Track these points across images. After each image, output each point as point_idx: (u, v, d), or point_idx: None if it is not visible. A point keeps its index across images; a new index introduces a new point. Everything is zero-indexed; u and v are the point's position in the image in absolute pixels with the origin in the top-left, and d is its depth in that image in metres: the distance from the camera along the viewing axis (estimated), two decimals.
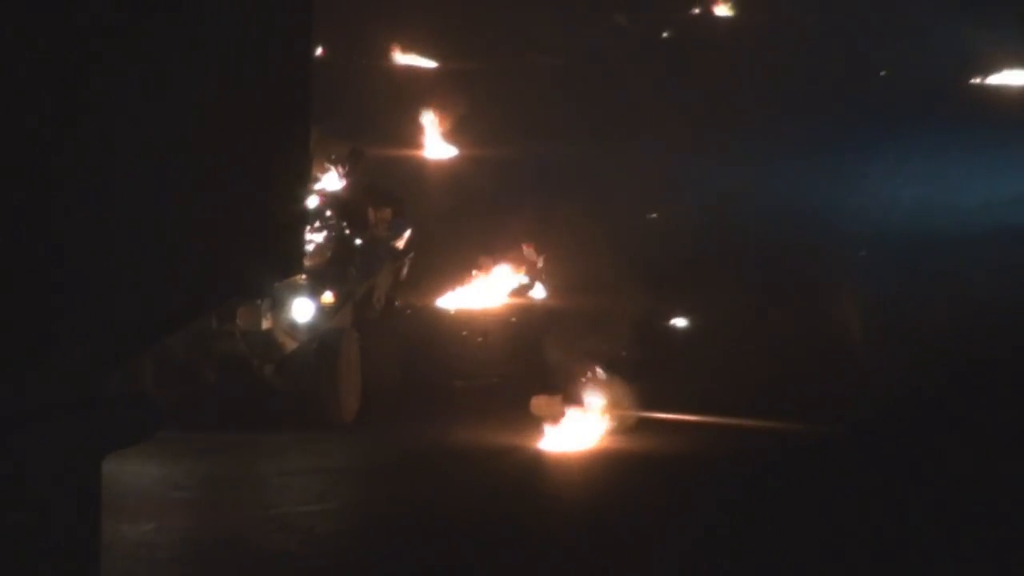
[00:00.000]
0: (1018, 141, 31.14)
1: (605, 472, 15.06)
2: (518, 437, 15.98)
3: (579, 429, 16.01)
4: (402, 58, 34.96)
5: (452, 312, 21.25)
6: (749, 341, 19.35)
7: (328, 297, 16.92)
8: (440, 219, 23.16)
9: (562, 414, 16.20)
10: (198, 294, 6.84)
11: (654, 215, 26.26)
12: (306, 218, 16.03)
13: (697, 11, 39.70)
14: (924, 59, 36.17)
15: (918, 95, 33.97)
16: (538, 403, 16.54)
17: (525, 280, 22.02)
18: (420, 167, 27.98)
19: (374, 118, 27.56)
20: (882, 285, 22.26)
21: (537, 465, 15.33)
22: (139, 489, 13.93)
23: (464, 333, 20.50)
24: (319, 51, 27.41)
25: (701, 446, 15.59)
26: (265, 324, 16.43)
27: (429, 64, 34.83)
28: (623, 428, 16.11)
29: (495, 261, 21.90)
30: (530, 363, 18.39)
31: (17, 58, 5.35)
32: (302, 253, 11.45)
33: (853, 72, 35.37)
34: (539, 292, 21.94)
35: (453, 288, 21.65)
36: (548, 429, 16.03)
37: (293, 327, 16.66)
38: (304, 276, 16.66)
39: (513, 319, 21.14)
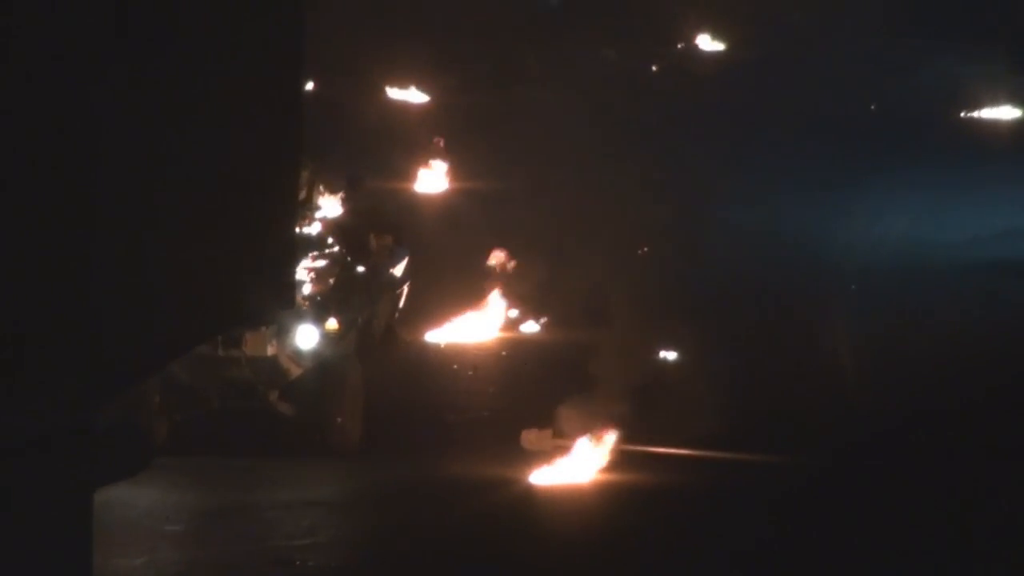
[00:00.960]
0: (1006, 175, 31.23)
1: (597, 506, 15.07)
2: (509, 471, 15.99)
3: (570, 463, 16.01)
4: (395, 92, 35.06)
5: (442, 346, 21.26)
6: (738, 374, 19.38)
7: (332, 324, 17.07)
8: (431, 252, 23.19)
9: (553, 448, 16.21)
10: (189, 327, 6.86)
11: (644, 249, 26.30)
12: (295, 249, 16.11)
13: (682, 46, 39.80)
14: (912, 94, 36.29)
15: (906, 129, 34.08)
16: (528, 437, 16.56)
17: (515, 313, 22.05)
18: (412, 200, 28.02)
19: (368, 151, 27.62)
20: (871, 319, 22.30)
21: (528, 499, 15.33)
22: (131, 521, 13.91)
23: (454, 367, 20.51)
24: (311, 85, 27.49)
25: (693, 479, 15.61)
26: (270, 350, 16.62)
27: (421, 98, 34.93)
28: (614, 462, 16.12)
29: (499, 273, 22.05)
30: (521, 397, 18.43)
31: (15, 104, 5.39)
32: (293, 284, 11.51)
33: (841, 107, 35.47)
34: (530, 326, 21.96)
35: (443, 322, 21.67)
36: (539, 463, 16.04)
37: (297, 353, 16.83)
38: (307, 302, 16.87)
39: (503, 353, 21.16)
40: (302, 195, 17.88)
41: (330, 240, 17.90)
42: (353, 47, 32.68)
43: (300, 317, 16.75)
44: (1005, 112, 36.86)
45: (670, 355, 20.40)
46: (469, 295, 21.99)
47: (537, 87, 34.55)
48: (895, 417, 17.64)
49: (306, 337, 16.79)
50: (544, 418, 16.78)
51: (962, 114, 36.69)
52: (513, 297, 22.22)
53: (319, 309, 17.02)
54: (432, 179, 28.76)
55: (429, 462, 16.42)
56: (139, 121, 6.14)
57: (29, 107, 5.45)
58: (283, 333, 16.70)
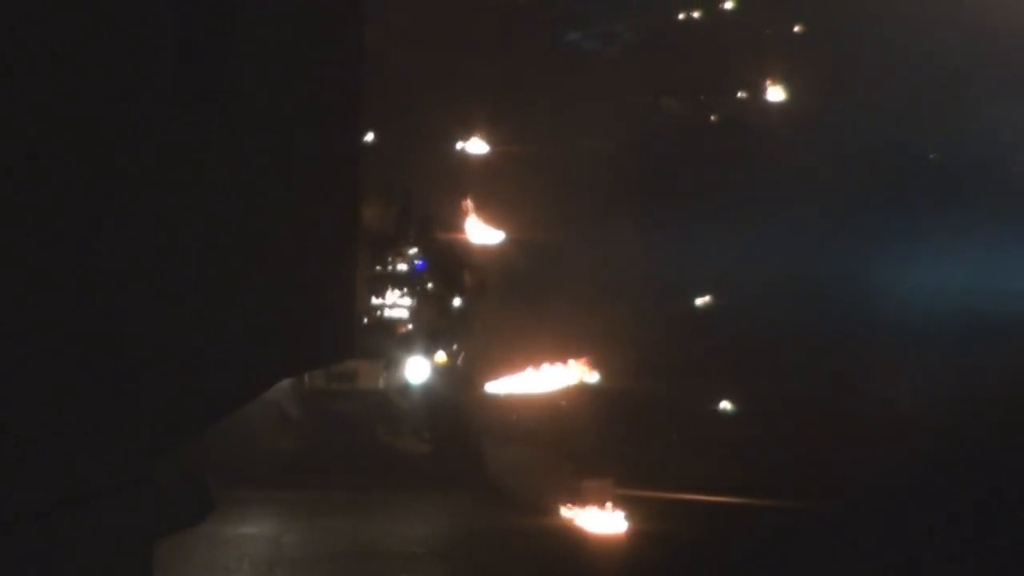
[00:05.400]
0: None
1: (652, 555, 15.07)
2: (569, 519, 16.03)
3: (627, 511, 16.04)
4: (457, 143, 35.15)
5: (502, 395, 21.29)
6: (798, 425, 19.33)
7: (441, 357, 17.50)
8: (490, 303, 23.27)
9: (612, 497, 16.25)
10: (248, 380, 6.94)
11: (706, 298, 26.28)
12: (355, 301, 16.40)
13: (744, 95, 39.75)
14: (974, 142, 36.11)
15: (968, 178, 33.91)
16: (589, 486, 16.60)
17: (575, 364, 22.06)
18: (471, 251, 28.09)
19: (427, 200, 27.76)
20: (932, 366, 22.20)
21: (586, 547, 15.36)
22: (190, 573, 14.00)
23: (514, 417, 20.53)
24: (372, 136, 27.66)
25: (747, 527, 15.60)
26: (381, 383, 17.03)
27: (482, 149, 35.02)
28: (671, 511, 16.13)
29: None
30: (581, 446, 18.46)
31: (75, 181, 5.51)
32: (353, 333, 11.68)
33: (902, 156, 35.32)
34: (590, 377, 21.96)
35: (505, 372, 21.70)
36: (597, 511, 16.08)
37: (406, 387, 17.23)
38: (412, 336, 17.30)
39: (563, 403, 21.16)
40: (391, 231, 18.44)
41: (424, 276, 18.42)
42: (414, 98, 32.89)
43: (410, 350, 17.24)
44: None
45: (728, 405, 20.38)
46: (529, 346, 22.00)
47: (595, 137, 34.63)
48: (957, 465, 17.55)
49: (417, 370, 17.27)
50: (604, 467, 16.82)
51: None
52: (573, 348, 22.23)
53: (428, 342, 17.49)
54: (487, 229, 28.80)
55: (490, 510, 16.48)
56: (195, 176, 6.25)
57: (92, 181, 5.57)
58: (393, 367, 17.18)
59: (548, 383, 21.65)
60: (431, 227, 19.83)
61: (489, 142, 35.31)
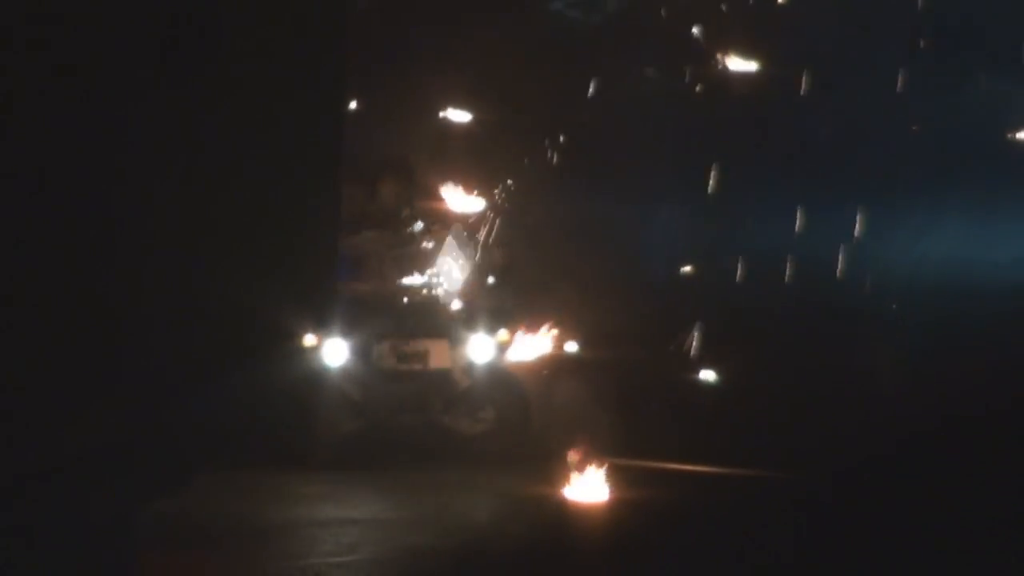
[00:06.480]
0: None
1: (633, 523, 15.18)
2: (547, 487, 16.13)
3: (607, 480, 16.15)
4: (436, 112, 35.08)
5: None
6: (775, 395, 19.45)
7: (503, 335, 17.54)
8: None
9: (593, 465, 16.35)
10: (227, 347, 7.02)
11: (687, 269, 26.33)
12: (336, 268, 16.44)
13: (727, 65, 39.73)
14: (956, 113, 36.12)
15: (949, 149, 33.91)
16: (572, 454, 16.71)
17: (557, 332, 22.14)
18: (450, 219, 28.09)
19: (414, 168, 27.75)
20: (912, 338, 22.30)
21: (567, 515, 15.47)
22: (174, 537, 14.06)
23: None
24: (355, 104, 27.61)
25: (727, 496, 15.72)
26: (449, 363, 17.05)
27: (462, 118, 34.97)
28: (650, 479, 16.25)
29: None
30: (563, 415, 18.56)
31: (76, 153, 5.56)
32: (333, 309, 11.73)
33: (883, 127, 35.31)
34: (572, 345, 22.04)
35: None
36: (577, 479, 16.19)
37: (470, 365, 17.24)
38: (468, 308, 17.33)
39: (545, 371, 21.25)
40: (404, 213, 18.49)
41: (455, 252, 18.48)
42: (396, 65, 32.84)
43: (473, 327, 17.25)
44: None
45: (708, 375, 20.49)
46: (511, 314, 22.06)
47: (578, 107, 34.60)
48: (934, 437, 17.66)
49: (481, 348, 17.29)
50: (586, 436, 16.91)
51: (1008, 134, 36.44)
52: (555, 317, 22.30)
53: (490, 319, 17.53)
54: (468, 199, 28.80)
55: (468, 478, 16.57)
56: (181, 141, 6.31)
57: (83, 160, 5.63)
58: (457, 345, 17.17)
59: (528, 352, 21.72)
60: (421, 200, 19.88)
61: (471, 112, 35.24)
